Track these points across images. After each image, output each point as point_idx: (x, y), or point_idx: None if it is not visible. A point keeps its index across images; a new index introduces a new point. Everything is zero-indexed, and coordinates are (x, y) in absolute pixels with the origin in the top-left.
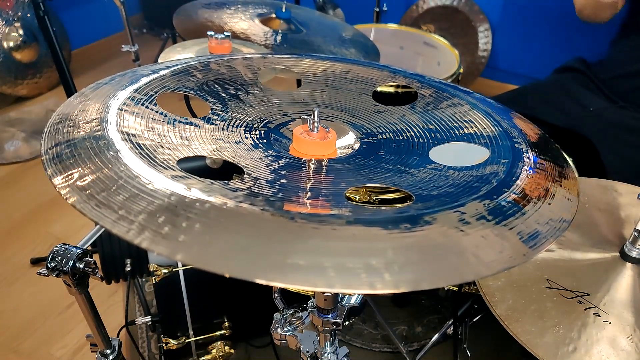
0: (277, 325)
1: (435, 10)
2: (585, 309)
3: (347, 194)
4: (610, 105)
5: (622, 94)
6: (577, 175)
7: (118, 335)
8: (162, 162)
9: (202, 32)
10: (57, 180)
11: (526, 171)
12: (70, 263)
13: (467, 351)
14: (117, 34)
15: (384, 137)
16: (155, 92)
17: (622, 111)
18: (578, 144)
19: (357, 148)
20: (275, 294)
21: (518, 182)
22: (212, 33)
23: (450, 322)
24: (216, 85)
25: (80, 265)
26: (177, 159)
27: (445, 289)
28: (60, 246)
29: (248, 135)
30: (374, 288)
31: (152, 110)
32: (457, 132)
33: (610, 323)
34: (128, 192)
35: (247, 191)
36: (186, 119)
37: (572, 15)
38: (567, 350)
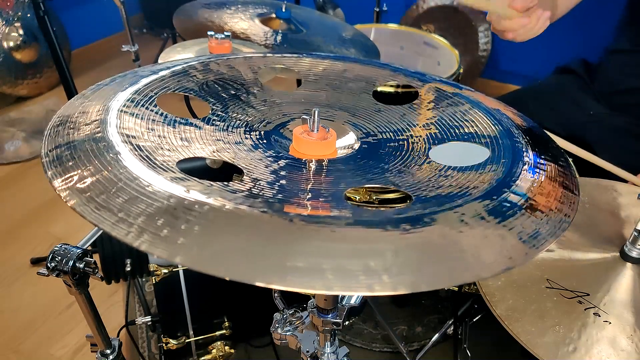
0: (277, 325)
1: (435, 10)
2: (585, 309)
3: (347, 194)
4: (610, 112)
5: (622, 107)
6: (577, 175)
7: (118, 335)
8: (162, 164)
9: (202, 32)
10: (57, 183)
11: (525, 171)
12: (70, 263)
13: (467, 351)
14: (117, 34)
15: (384, 136)
16: (155, 93)
17: (622, 117)
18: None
19: (357, 148)
20: (276, 294)
21: (518, 182)
22: (212, 33)
23: (450, 322)
24: (216, 86)
25: (80, 265)
26: (177, 160)
27: (446, 288)
28: (60, 246)
29: (248, 136)
30: (372, 290)
31: (152, 111)
32: (457, 131)
33: (610, 323)
34: (127, 194)
35: (247, 192)
36: (186, 120)
37: (571, 15)
38: (567, 350)
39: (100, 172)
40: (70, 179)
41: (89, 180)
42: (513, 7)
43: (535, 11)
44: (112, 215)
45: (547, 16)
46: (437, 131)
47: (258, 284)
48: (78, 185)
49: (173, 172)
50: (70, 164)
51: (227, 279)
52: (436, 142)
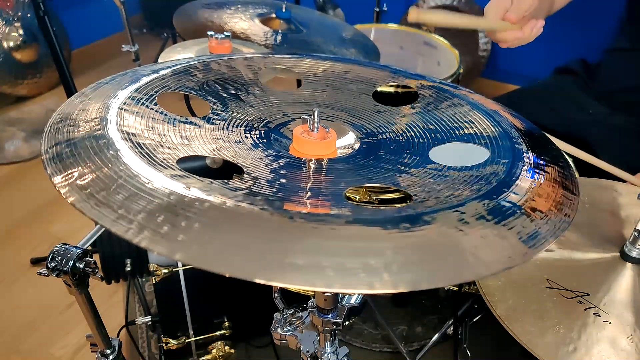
0: (277, 325)
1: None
2: (585, 309)
3: (347, 194)
4: (610, 111)
5: (622, 107)
6: (577, 175)
7: (118, 335)
8: (162, 162)
9: (202, 32)
10: (57, 179)
11: (525, 171)
12: (70, 263)
13: (467, 351)
14: (117, 34)
15: (384, 137)
16: (156, 92)
17: (622, 117)
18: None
19: (357, 148)
20: (275, 294)
21: (518, 182)
22: (212, 33)
23: (450, 322)
24: (216, 85)
25: (80, 265)
26: (177, 159)
27: (445, 288)
28: (60, 246)
29: (248, 135)
30: (372, 288)
31: (153, 109)
32: (457, 132)
33: (610, 323)
34: (127, 191)
35: (247, 190)
36: (186, 119)
37: (572, 15)
38: (567, 350)
39: (101, 169)
40: (70, 176)
41: (89, 177)
42: (507, 19)
43: (529, 22)
44: (112, 212)
45: (540, 25)
46: (436, 130)
47: (258, 280)
48: (78, 181)
49: (173, 169)
50: (70, 160)
51: (227, 275)
52: (436, 142)
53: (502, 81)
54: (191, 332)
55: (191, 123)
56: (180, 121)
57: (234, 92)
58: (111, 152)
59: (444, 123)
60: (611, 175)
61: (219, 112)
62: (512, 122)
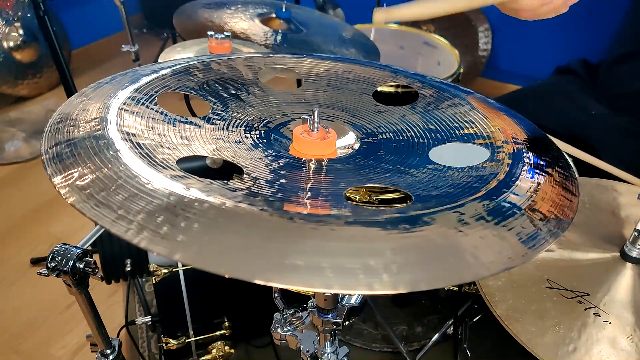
0: (277, 325)
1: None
2: (585, 309)
3: (346, 194)
4: (612, 112)
5: (624, 108)
6: (577, 175)
7: (118, 335)
8: (162, 162)
9: (202, 32)
10: (57, 180)
11: (525, 172)
12: (70, 263)
13: (467, 351)
14: (117, 34)
15: (384, 137)
16: (156, 92)
17: (625, 117)
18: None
19: (357, 148)
20: (276, 294)
21: (518, 182)
22: (212, 33)
23: (450, 322)
24: (217, 85)
25: (80, 265)
26: (177, 159)
27: (446, 288)
28: (60, 246)
29: (248, 135)
30: (372, 289)
31: (153, 109)
32: (457, 132)
33: (610, 323)
34: (127, 191)
35: (247, 191)
36: (186, 119)
37: (572, 14)
38: (567, 350)
39: (100, 170)
40: (70, 176)
41: (88, 178)
42: None
43: None
44: (111, 212)
45: None
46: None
47: (257, 281)
48: (78, 182)
49: (173, 169)
50: (70, 161)
51: (227, 276)
52: (436, 142)
53: (502, 81)
54: (191, 332)
55: (191, 123)
56: (180, 121)
57: (234, 92)
58: (111, 152)
59: (444, 123)
60: (612, 175)
61: (219, 112)
62: (511, 122)
